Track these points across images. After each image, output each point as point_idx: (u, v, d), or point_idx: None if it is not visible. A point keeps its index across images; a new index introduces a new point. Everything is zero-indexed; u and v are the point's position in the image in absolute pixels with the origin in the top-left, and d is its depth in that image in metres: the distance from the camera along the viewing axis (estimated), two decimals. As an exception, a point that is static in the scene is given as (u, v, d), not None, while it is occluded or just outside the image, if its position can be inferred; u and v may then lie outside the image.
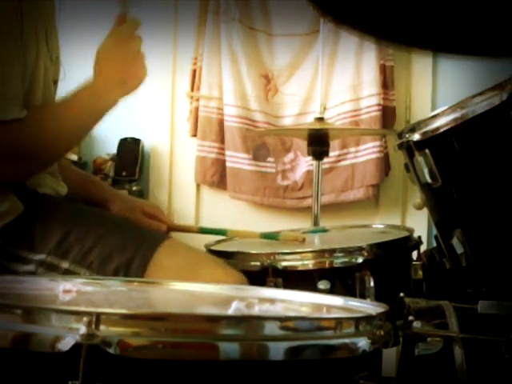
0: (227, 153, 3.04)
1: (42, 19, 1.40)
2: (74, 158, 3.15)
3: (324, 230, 1.76)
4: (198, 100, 3.08)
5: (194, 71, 3.09)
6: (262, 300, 0.95)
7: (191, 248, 1.39)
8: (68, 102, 1.35)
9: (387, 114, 2.97)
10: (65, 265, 1.26)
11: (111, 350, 0.63)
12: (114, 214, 1.50)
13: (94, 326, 0.63)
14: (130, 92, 1.39)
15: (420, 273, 1.40)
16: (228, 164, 3.04)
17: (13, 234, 1.28)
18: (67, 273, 1.26)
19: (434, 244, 1.47)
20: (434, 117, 1.32)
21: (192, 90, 3.09)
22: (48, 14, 1.44)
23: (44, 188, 1.40)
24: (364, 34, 0.94)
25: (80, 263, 1.26)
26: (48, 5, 1.45)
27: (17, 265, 1.27)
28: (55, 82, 1.51)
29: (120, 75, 1.36)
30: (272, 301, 0.96)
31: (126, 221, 1.41)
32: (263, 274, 1.32)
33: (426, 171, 1.32)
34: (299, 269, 1.35)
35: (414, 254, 1.45)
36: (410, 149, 1.36)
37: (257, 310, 0.86)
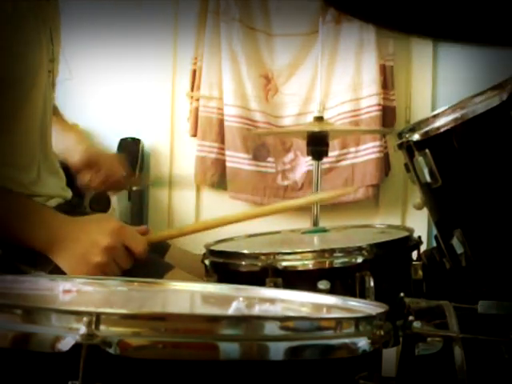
0: (227, 153, 3.04)
1: (47, 19, 1.39)
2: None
3: (324, 230, 1.76)
4: (197, 100, 3.08)
5: (194, 71, 3.09)
6: (262, 300, 0.95)
7: (195, 280, 1.38)
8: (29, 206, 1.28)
9: (387, 114, 2.97)
10: None
11: (111, 350, 0.63)
12: None
13: (93, 326, 0.63)
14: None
15: (420, 273, 1.40)
16: (228, 164, 3.04)
17: (17, 247, 1.27)
18: None
19: (434, 244, 1.47)
20: (434, 117, 1.32)
21: (192, 89, 3.09)
22: (52, 13, 1.44)
23: (51, 196, 1.39)
24: (365, 20, 0.94)
25: None
26: (52, 5, 1.45)
27: None
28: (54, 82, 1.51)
29: (77, 265, 1.22)
30: (272, 301, 0.96)
31: None
32: (263, 274, 1.32)
33: (426, 171, 1.32)
34: (299, 269, 1.35)
35: (414, 254, 1.44)
36: (410, 149, 1.36)
37: (257, 309, 0.86)
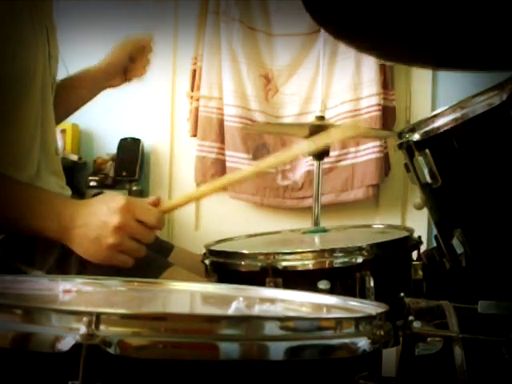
0: (227, 153, 3.04)
1: (42, 18, 1.40)
2: (74, 158, 3.16)
3: (324, 230, 1.76)
4: (198, 100, 3.08)
5: (194, 71, 3.09)
6: (262, 300, 0.95)
7: (194, 278, 1.38)
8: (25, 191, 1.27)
9: (387, 114, 2.98)
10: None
11: (111, 350, 0.63)
12: None
13: (93, 326, 0.63)
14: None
15: (420, 273, 1.40)
16: (228, 164, 3.04)
17: (14, 246, 1.27)
18: None
19: (434, 244, 1.47)
20: (434, 117, 1.32)
21: (192, 90, 3.09)
22: (47, 12, 1.44)
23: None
24: (363, 51, 0.94)
25: None
26: (47, 3, 1.45)
27: None
28: (54, 82, 1.51)
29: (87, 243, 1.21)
30: (272, 301, 0.96)
31: None
32: (263, 274, 1.32)
33: (426, 171, 1.32)
34: (299, 269, 1.35)
35: (414, 254, 1.44)
36: (410, 149, 1.36)
37: (257, 309, 0.86)
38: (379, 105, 2.94)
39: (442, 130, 1.30)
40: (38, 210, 1.23)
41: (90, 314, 0.64)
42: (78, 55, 2.80)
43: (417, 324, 0.99)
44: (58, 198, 1.31)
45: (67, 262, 1.26)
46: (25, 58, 1.32)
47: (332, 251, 1.36)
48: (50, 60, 1.43)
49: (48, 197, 1.28)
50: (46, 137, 1.43)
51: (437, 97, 3.03)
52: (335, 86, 2.99)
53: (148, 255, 1.30)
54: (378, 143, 2.93)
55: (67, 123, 3.12)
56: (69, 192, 1.51)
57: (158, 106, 3.20)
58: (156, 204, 1.26)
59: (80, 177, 3.14)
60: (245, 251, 1.41)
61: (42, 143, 1.42)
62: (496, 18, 0.84)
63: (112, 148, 3.16)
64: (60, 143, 2.97)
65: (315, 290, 1.27)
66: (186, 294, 1.06)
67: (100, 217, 1.19)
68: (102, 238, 1.18)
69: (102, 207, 1.21)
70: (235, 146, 3.02)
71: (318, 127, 2.17)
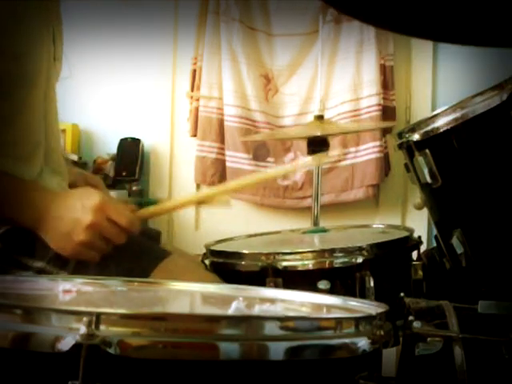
0: (227, 153, 3.04)
1: (49, 19, 1.39)
2: (74, 157, 3.16)
3: (324, 230, 1.76)
4: (198, 100, 3.08)
5: (194, 71, 3.09)
6: (262, 300, 0.95)
7: (193, 267, 1.38)
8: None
9: (387, 114, 2.97)
10: (62, 275, 1.25)
11: (111, 350, 0.63)
12: None
13: (93, 326, 0.63)
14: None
15: (420, 273, 1.40)
16: (228, 164, 3.04)
17: (15, 239, 1.28)
18: None
19: (434, 244, 1.47)
20: (434, 117, 1.32)
21: (192, 90, 3.09)
22: (54, 13, 1.44)
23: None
24: (364, 21, 0.94)
25: (78, 274, 1.25)
26: (55, 4, 1.45)
27: (16, 270, 1.26)
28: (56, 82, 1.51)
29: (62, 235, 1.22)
30: (272, 301, 0.96)
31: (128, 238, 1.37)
32: (263, 274, 1.32)
33: (426, 171, 1.32)
34: (299, 269, 1.35)
35: (414, 254, 1.45)
36: (410, 149, 1.36)
37: (257, 309, 0.86)
38: (379, 105, 2.94)
39: (441, 130, 1.30)
40: (13, 200, 1.25)
41: (90, 314, 0.64)
42: (78, 55, 2.81)
43: (417, 324, 0.99)
44: (35, 187, 1.32)
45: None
46: (30, 58, 1.32)
47: (332, 251, 1.36)
48: (55, 60, 1.43)
49: (24, 186, 1.29)
50: (49, 136, 1.44)
51: (437, 97, 3.03)
52: (335, 85, 2.99)
53: (146, 244, 1.30)
54: (377, 143, 2.93)
55: (67, 123, 3.13)
56: None
57: (157, 106, 3.20)
58: (132, 210, 1.28)
59: (80, 177, 3.14)
60: (245, 251, 1.42)
61: (46, 143, 1.42)
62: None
63: (112, 148, 3.16)
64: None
65: (315, 289, 1.27)
66: (186, 294, 1.06)
67: (74, 213, 1.21)
68: (73, 234, 1.20)
69: (76, 203, 1.22)
70: (235, 146, 3.02)
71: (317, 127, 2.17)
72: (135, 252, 1.30)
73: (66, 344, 0.63)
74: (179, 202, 1.44)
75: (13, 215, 1.25)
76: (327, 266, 1.35)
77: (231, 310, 0.82)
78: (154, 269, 1.27)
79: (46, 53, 1.37)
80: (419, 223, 2.53)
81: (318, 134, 2.12)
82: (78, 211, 1.21)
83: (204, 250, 1.49)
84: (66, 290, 0.94)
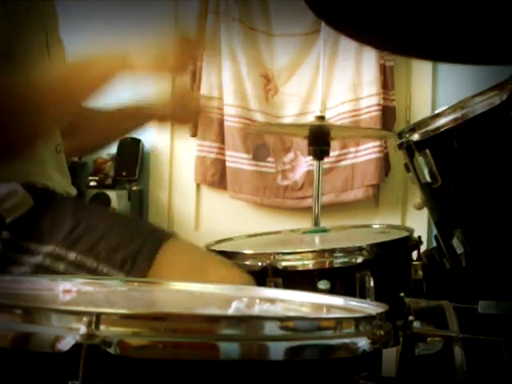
0: (227, 153, 3.04)
1: (41, 18, 1.39)
2: (75, 158, 3.15)
3: (324, 230, 1.76)
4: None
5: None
6: (262, 300, 0.95)
7: (198, 247, 1.41)
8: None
9: (387, 114, 2.97)
10: (72, 256, 1.27)
11: (111, 350, 0.63)
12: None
13: (93, 326, 0.63)
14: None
15: (420, 273, 1.40)
16: (228, 164, 3.04)
17: (22, 227, 1.29)
18: (74, 264, 1.26)
19: (434, 244, 1.47)
20: (434, 117, 1.32)
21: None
22: (47, 13, 1.44)
23: (54, 187, 1.41)
24: (363, 42, 0.94)
25: (87, 254, 1.27)
26: (47, 7, 1.45)
27: (24, 257, 1.27)
28: None
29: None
30: (272, 301, 0.96)
31: (133, 217, 1.41)
32: (263, 274, 1.32)
33: (425, 171, 1.32)
34: (299, 269, 1.35)
35: (414, 254, 1.45)
36: (410, 149, 1.36)
37: (257, 309, 0.86)
38: (379, 105, 2.94)
39: (441, 130, 1.30)
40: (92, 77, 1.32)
41: (90, 314, 0.64)
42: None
43: (417, 324, 0.99)
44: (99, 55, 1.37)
45: (75, 237, 1.28)
46: (22, 59, 1.32)
47: (332, 251, 1.36)
48: (50, 61, 1.43)
49: (91, 61, 1.35)
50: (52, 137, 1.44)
51: (437, 97, 3.03)
52: (335, 86, 2.99)
53: (148, 225, 1.32)
54: (377, 143, 2.93)
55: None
56: (74, 192, 1.51)
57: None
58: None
59: (80, 177, 3.13)
60: (245, 251, 1.42)
61: (45, 142, 1.42)
62: (497, 11, 0.84)
63: (112, 148, 3.15)
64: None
65: (315, 289, 1.27)
66: (186, 294, 1.06)
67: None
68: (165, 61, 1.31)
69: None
70: (235, 146, 3.02)
71: (318, 127, 2.17)
72: (144, 232, 1.32)
73: (65, 344, 0.63)
74: None
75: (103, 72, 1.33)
76: (327, 265, 1.35)
77: (231, 310, 0.82)
78: (159, 249, 1.28)
79: (38, 54, 1.37)
80: (419, 223, 2.53)
81: (319, 131, 2.12)
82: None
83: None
84: (66, 290, 0.94)
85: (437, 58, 1.05)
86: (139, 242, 1.29)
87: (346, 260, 1.34)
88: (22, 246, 1.28)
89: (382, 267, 1.35)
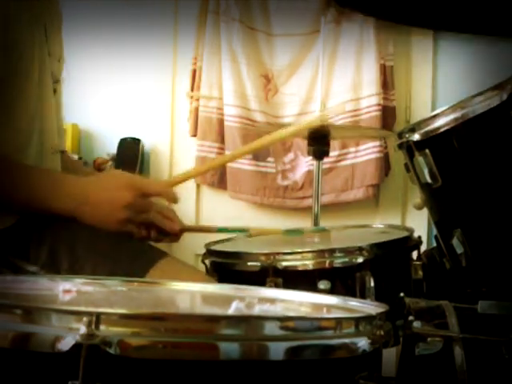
0: (227, 153, 3.04)
1: (40, 16, 1.39)
2: (74, 157, 3.16)
3: (324, 230, 1.76)
4: (197, 100, 3.08)
5: (194, 71, 3.09)
6: (262, 300, 0.95)
7: (189, 268, 1.39)
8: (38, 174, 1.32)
9: (387, 114, 2.97)
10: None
11: (111, 350, 0.63)
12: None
13: (93, 326, 0.63)
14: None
15: (420, 273, 1.40)
16: (228, 164, 3.03)
17: (10, 241, 1.28)
18: None
19: (434, 244, 1.47)
20: (434, 117, 1.32)
21: (192, 90, 3.09)
22: (47, 11, 1.43)
23: None
24: (365, 12, 0.94)
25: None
26: (47, 1, 1.44)
27: (12, 274, 1.26)
28: (57, 81, 1.50)
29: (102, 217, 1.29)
30: (272, 301, 0.96)
31: (122, 235, 1.36)
32: (263, 274, 1.32)
33: (426, 171, 1.32)
34: (299, 269, 1.35)
35: (414, 254, 1.45)
36: (410, 149, 1.36)
37: (257, 309, 0.86)
38: (379, 105, 2.94)
39: (441, 130, 1.30)
40: (50, 192, 1.29)
41: (90, 314, 0.64)
42: (78, 55, 2.81)
43: (417, 324, 0.99)
44: (68, 177, 1.36)
45: (58, 257, 1.28)
46: (19, 57, 1.31)
47: (332, 251, 1.36)
48: (50, 58, 1.42)
49: (58, 178, 1.35)
50: (43, 135, 1.43)
51: (437, 97, 3.03)
52: (335, 85, 2.99)
53: (141, 245, 1.32)
54: (377, 143, 2.93)
55: (67, 123, 3.12)
56: None
57: (157, 106, 3.20)
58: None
59: (80, 177, 3.13)
60: (245, 251, 1.42)
61: (40, 142, 1.41)
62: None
63: (112, 148, 3.15)
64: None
65: (315, 289, 1.27)
66: (186, 294, 1.06)
67: (110, 194, 1.29)
68: (113, 215, 1.28)
69: (110, 185, 1.31)
70: (235, 146, 3.02)
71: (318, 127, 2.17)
72: (132, 252, 1.31)
73: (65, 344, 0.63)
74: (207, 166, 1.49)
75: (49, 206, 1.28)
76: (327, 265, 1.35)
77: (231, 310, 0.82)
78: (150, 269, 1.28)
79: (37, 52, 1.36)
80: (419, 223, 2.53)
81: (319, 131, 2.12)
82: (113, 192, 1.28)
83: (204, 250, 1.49)
84: (66, 289, 0.94)
85: (437, 27, 1.05)
86: (128, 264, 1.28)
87: (346, 260, 1.34)
88: (10, 261, 1.28)
89: (382, 267, 1.35)
